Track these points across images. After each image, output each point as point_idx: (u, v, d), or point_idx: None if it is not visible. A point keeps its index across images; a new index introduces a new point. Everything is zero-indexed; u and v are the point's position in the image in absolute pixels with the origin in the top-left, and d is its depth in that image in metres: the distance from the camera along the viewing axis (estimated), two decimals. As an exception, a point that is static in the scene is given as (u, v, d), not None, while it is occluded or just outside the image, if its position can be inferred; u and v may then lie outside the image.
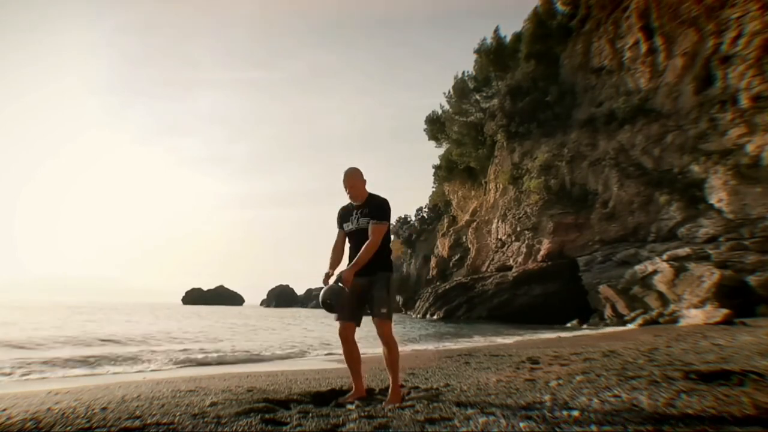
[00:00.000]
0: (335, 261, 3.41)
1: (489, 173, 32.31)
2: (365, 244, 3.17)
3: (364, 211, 3.28)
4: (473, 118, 35.78)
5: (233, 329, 17.52)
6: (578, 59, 27.13)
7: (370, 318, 3.33)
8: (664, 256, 18.37)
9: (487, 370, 4.89)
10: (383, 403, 3.02)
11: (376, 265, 3.23)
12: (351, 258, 3.32)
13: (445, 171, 39.26)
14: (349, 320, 3.27)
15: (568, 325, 18.46)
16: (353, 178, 3.31)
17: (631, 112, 22.82)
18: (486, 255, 30.15)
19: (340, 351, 3.41)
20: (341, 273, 3.17)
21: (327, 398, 3.36)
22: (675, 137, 20.98)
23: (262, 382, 4.35)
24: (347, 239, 3.39)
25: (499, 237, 28.49)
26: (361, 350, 3.38)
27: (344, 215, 3.41)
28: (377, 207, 3.27)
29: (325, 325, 19.63)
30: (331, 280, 3.24)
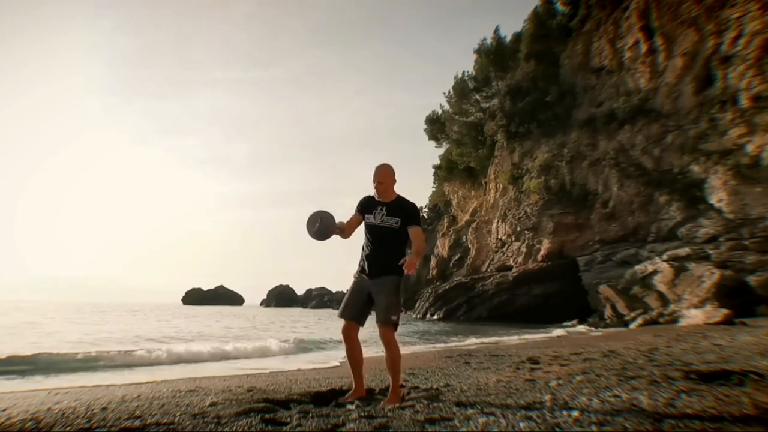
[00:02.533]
0: (345, 228, 3.32)
1: (489, 173, 32.31)
2: (415, 247, 3.20)
3: (391, 210, 3.24)
4: (473, 118, 35.78)
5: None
6: (578, 59, 27.12)
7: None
8: (664, 256, 18.36)
9: (487, 370, 4.89)
10: (382, 403, 3.02)
11: (390, 267, 3.19)
12: (370, 251, 3.26)
13: (445, 171, 39.26)
14: (353, 320, 3.27)
15: (568, 325, 18.45)
16: (383, 174, 3.27)
17: (631, 112, 22.80)
18: (486, 255, 30.14)
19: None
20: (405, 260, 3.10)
21: (327, 398, 3.36)
22: (675, 137, 20.98)
23: (262, 382, 4.35)
24: (366, 231, 3.31)
25: (499, 237, 28.48)
26: (362, 351, 3.37)
27: (368, 205, 3.33)
28: (413, 212, 3.25)
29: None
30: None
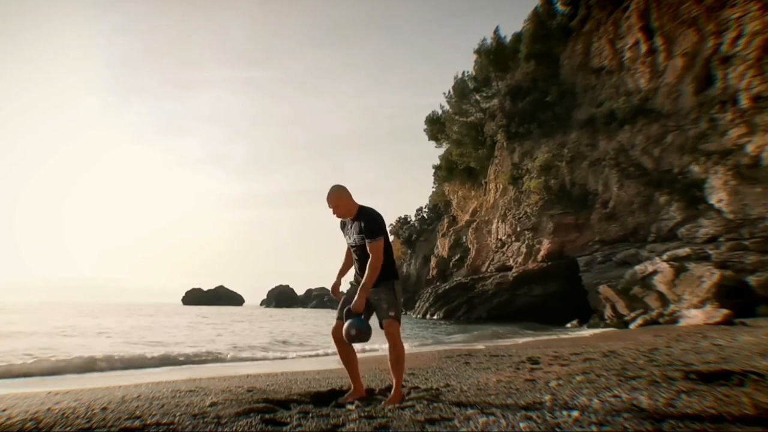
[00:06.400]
0: (343, 269, 3.51)
1: (489, 173, 32.32)
2: (369, 263, 3.14)
3: (357, 226, 3.24)
4: (473, 118, 35.82)
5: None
6: (578, 59, 27.13)
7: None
8: (664, 257, 18.35)
9: (487, 370, 4.89)
10: (383, 403, 3.02)
11: (380, 276, 3.20)
12: (357, 269, 3.34)
13: (445, 171, 39.30)
14: (341, 319, 3.29)
15: (568, 325, 18.45)
16: (336, 198, 3.24)
17: (631, 112, 22.81)
18: (486, 255, 30.15)
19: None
20: (353, 304, 3.11)
21: (327, 398, 3.36)
22: (675, 137, 20.98)
23: (262, 383, 4.35)
24: (351, 250, 3.40)
25: (499, 237, 28.49)
26: (363, 349, 3.39)
27: (342, 227, 3.41)
28: (368, 224, 3.18)
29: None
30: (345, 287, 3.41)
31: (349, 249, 3.43)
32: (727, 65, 19.26)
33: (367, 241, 3.16)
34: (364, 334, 3.10)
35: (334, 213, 3.30)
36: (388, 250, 3.27)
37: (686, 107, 20.96)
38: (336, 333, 3.29)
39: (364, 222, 3.20)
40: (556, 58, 28.85)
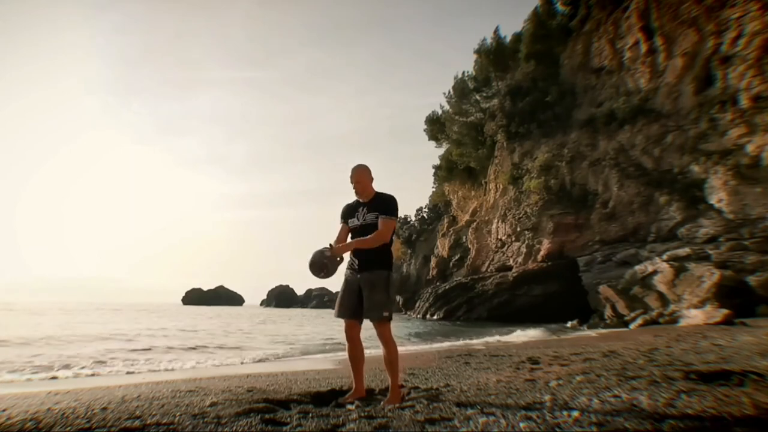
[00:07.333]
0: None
1: (489, 173, 32.31)
2: (374, 233, 3.19)
3: (371, 207, 3.29)
4: (473, 118, 35.80)
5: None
6: (578, 59, 27.12)
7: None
8: (664, 257, 18.35)
9: (487, 370, 4.89)
10: (383, 403, 3.02)
11: (377, 262, 3.23)
12: (354, 255, 3.33)
13: (445, 171, 39.29)
14: (352, 318, 3.29)
15: (568, 325, 18.43)
16: (360, 174, 3.33)
17: (631, 112, 22.81)
18: (486, 255, 30.15)
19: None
20: (335, 248, 3.17)
21: (327, 398, 3.36)
22: (675, 137, 20.98)
23: (262, 383, 4.35)
24: (350, 235, 3.39)
25: (499, 237, 28.49)
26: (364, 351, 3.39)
27: (349, 211, 3.42)
28: (386, 203, 3.28)
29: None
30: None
31: (344, 232, 3.42)
32: (727, 65, 19.25)
33: (381, 217, 3.21)
34: (329, 269, 3.13)
35: (354, 189, 3.35)
36: (391, 241, 3.31)
37: (686, 107, 20.96)
38: (348, 331, 3.31)
39: (384, 201, 3.28)
40: (556, 58, 28.84)
